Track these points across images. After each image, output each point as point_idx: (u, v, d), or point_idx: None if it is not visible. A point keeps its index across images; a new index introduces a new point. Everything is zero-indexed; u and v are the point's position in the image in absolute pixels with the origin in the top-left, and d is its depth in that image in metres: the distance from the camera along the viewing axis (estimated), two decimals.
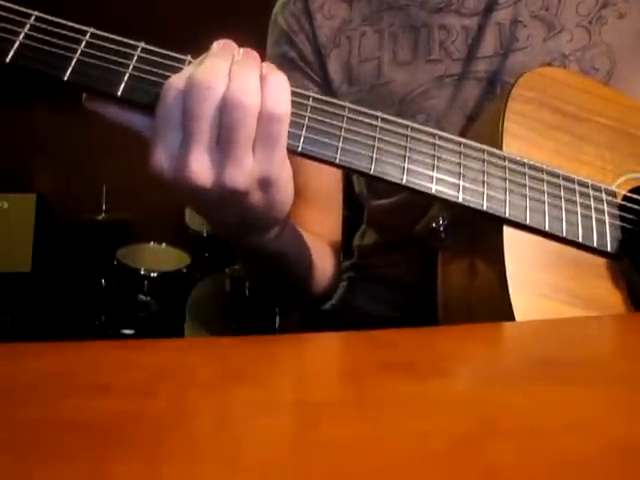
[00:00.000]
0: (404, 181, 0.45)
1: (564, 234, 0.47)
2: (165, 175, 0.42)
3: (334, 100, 0.46)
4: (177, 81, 0.41)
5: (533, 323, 0.42)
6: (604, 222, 0.48)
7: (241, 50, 0.43)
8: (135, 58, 0.43)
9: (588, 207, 0.48)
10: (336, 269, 0.73)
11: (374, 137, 0.45)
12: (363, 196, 0.76)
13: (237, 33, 0.48)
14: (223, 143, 0.40)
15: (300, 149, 0.44)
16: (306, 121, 0.45)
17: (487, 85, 0.64)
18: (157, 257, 2.34)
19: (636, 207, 0.51)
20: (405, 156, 0.45)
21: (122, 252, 2.30)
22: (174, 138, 0.41)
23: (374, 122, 0.46)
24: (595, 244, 0.47)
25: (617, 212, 0.50)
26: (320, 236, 0.71)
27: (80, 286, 2.67)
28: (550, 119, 0.52)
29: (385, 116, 0.47)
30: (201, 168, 0.40)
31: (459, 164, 0.46)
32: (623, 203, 0.51)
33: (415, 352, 0.31)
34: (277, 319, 1.71)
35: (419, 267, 0.56)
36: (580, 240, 0.47)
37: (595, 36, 0.63)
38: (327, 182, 0.73)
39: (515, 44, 0.63)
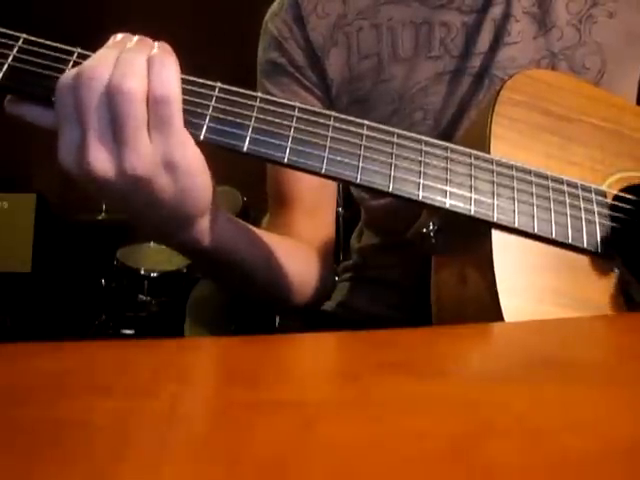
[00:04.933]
0: (390, 189, 0.45)
1: (553, 236, 0.46)
2: (71, 171, 0.42)
3: (319, 110, 0.47)
4: (68, 75, 0.41)
5: (533, 323, 0.42)
6: (594, 222, 0.48)
7: (135, 38, 0.43)
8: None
9: (577, 208, 0.48)
10: (325, 272, 0.71)
11: (360, 146, 0.45)
12: (360, 197, 0.76)
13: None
14: (116, 131, 0.40)
15: (286, 160, 0.44)
16: (292, 132, 0.45)
17: (477, 79, 0.64)
18: (157, 257, 2.34)
19: (627, 206, 0.51)
20: (391, 164, 0.45)
21: (122, 252, 2.31)
22: (72, 132, 0.41)
23: (360, 130, 0.46)
24: (585, 245, 0.47)
25: (607, 212, 0.49)
26: (309, 241, 0.70)
27: (80, 286, 2.67)
28: (539, 121, 0.52)
29: (371, 124, 0.47)
30: (98, 159, 0.41)
31: (446, 169, 0.46)
32: (614, 203, 0.51)
33: (415, 352, 0.31)
34: (277, 319, 1.71)
35: (417, 268, 0.56)
36: (570, 241, 0.47)
37: (585, 35, 0.63)
38: (312, 185, 0.71)
39: (506, 38, 0.63)
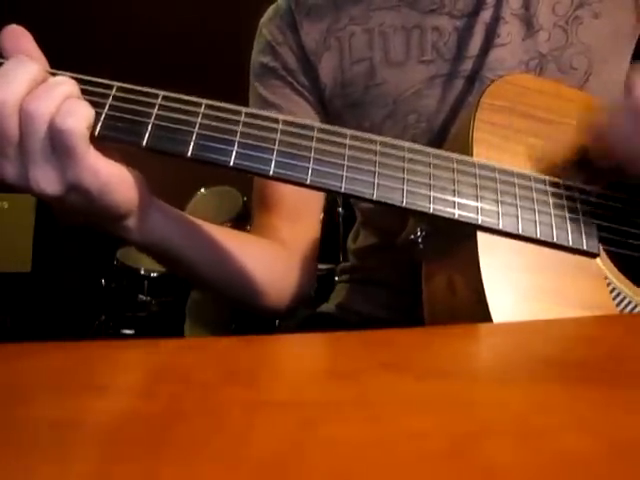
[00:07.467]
0: (375, 197, 0.45)
1: (538, 235, 0.47)
2: None
3: (303, 121, 0.47)
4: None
5: (533, 323, 0.42)
6: (578, 220, 0.49)
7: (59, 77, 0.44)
8: None
9: (561, 207, 0.49)
10: (302, 278, 0.69)
11: (343, 155, 0.46)
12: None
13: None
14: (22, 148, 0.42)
15: (272, 173, 0.44)
16: (277, 145, 0.45)
17: (469, 81, 0.65)
18: None
19: (611, 203, 0.52)
20: (375, 172, 0.46)
21: (122, 252, 2.31)
22: None
23: (343, 140, 0.46)
24: (570, 243, 0.48)
25: (591, 209, 0.50)
26: (289, 245, 0.69)
27: (80, 286, 2.67)
28: (520, 125, 0.52)
29: (354, 133, 0.47)
30: (6, 172, 0.43)
31: (429, 175, 0.47)
32: (598, 200, 0.51)
33: (414, 352, 0.31)
34: (277, 320, 1.71)
35: (412, 269, 0.56)
36: (555, 240, 0.47)
37: (572, 36, 0.64)
38: (295, 190, 0.70)
39: (496, 40, 0.64)
